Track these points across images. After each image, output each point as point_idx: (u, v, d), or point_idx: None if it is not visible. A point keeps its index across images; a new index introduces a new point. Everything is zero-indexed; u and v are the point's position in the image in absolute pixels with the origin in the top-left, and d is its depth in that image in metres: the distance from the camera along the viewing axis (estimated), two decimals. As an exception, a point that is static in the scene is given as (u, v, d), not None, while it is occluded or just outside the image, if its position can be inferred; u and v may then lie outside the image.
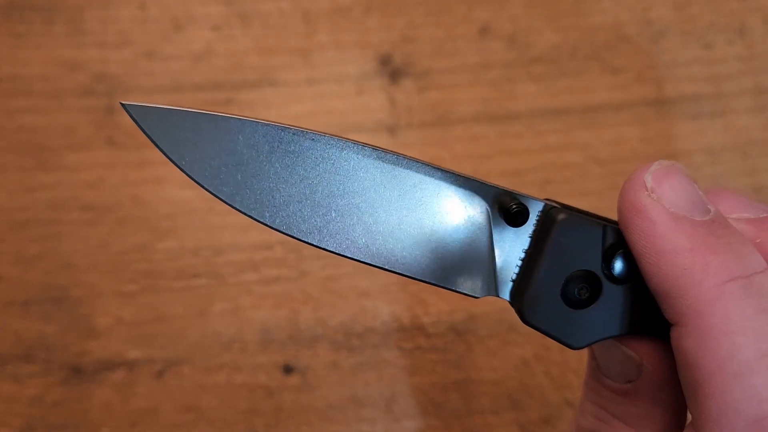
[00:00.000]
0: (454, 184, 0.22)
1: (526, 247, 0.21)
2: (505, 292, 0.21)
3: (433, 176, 0.21)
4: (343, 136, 0.21)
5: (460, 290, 0.21)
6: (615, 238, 0.21)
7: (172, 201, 0.38)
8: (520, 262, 0.21)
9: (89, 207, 0.38)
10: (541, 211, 0.21)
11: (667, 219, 0.20)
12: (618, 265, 0.21)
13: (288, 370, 0.36)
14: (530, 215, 0.21)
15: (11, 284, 0.37)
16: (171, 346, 0.36)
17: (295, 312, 0.37)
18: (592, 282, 0.21)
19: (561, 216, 0.21)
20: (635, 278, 0.21)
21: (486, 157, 0.39)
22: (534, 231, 0.21)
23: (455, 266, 0.21)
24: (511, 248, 0.21)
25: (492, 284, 0.21)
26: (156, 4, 0.40)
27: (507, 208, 0.21)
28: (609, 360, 0.22)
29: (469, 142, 0.39)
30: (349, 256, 0.21)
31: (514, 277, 0.21)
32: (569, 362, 0.37)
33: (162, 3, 0.40)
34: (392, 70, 0.40)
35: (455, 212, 0.21)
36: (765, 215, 0.22)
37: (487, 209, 0.21)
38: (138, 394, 0.36)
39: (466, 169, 0.39)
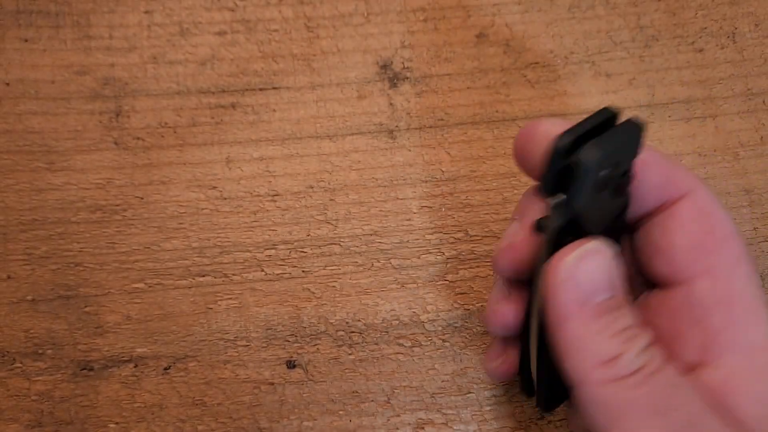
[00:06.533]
0: None
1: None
2: None
3: None
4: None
5: None
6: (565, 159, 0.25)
7: (178, 202, 0.38)
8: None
9: (97, 208, 0.38)
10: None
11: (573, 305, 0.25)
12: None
13: (291, 365, 0.36)
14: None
15: (21, 283, 0.37)
16: (177, 343, 0.36)
17: (297, 309, 0.37)
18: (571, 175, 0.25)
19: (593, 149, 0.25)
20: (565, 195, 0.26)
21: (482, 159, 0.39)
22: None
23: None
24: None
25: None
26: (162, 9, 0.40)
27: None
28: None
29: (466, 144, 0.39)
30: None
31: None
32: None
33: (168, 9, 0.40)
34: (392, 75, 0.40)
35: None
36: None
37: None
38: (145, 389, 0.36)
39: (463, 171, 0.38)
